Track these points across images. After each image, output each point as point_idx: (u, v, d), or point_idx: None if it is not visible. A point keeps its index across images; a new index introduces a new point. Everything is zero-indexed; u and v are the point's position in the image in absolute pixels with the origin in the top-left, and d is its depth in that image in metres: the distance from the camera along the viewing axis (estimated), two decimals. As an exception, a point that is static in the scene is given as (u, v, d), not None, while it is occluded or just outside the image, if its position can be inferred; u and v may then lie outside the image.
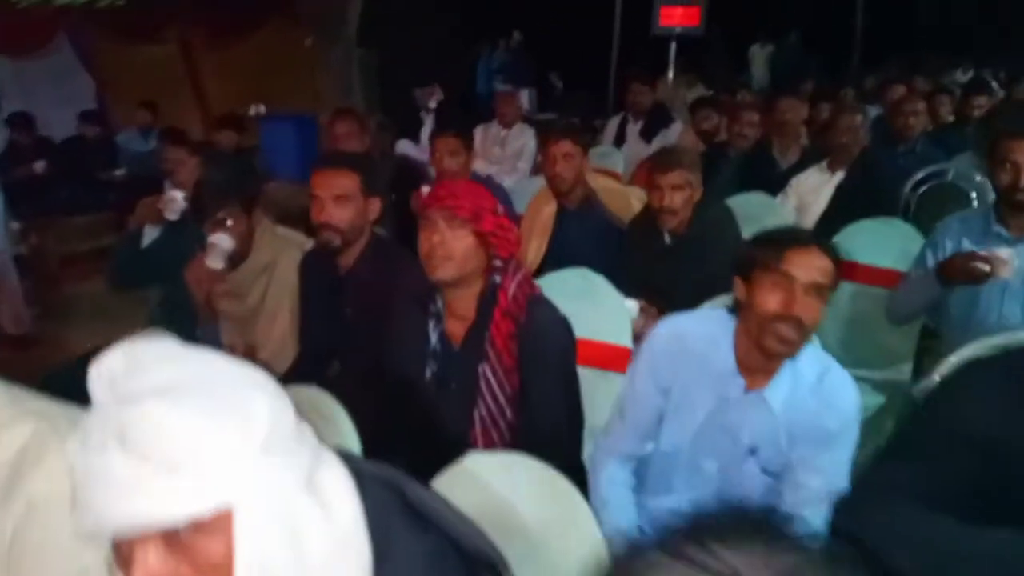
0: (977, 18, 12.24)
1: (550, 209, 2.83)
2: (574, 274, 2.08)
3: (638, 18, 8.87)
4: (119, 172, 5.72)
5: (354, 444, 1.51)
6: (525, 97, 12.55)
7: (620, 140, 4.90)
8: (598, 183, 2.81)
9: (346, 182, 1.95)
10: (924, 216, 3.28)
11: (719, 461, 1.41)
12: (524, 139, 4.94)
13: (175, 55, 10.10)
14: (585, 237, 2.77)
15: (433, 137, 3.14)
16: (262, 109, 7.35)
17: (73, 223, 4.78)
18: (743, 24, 13.09)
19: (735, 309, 1.38)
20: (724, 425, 1.39)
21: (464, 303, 1.63)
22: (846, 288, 2.69)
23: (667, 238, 2.45)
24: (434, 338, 1.66)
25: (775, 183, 3.63)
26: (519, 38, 12.70)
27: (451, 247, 1.55)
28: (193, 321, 2.52)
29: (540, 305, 1.61)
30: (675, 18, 6.10)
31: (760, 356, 1.33)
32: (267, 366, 2.20)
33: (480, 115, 9.44)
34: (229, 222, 2.17)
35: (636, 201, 2.79)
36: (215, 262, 2.13)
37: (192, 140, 3.29)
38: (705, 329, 1.40)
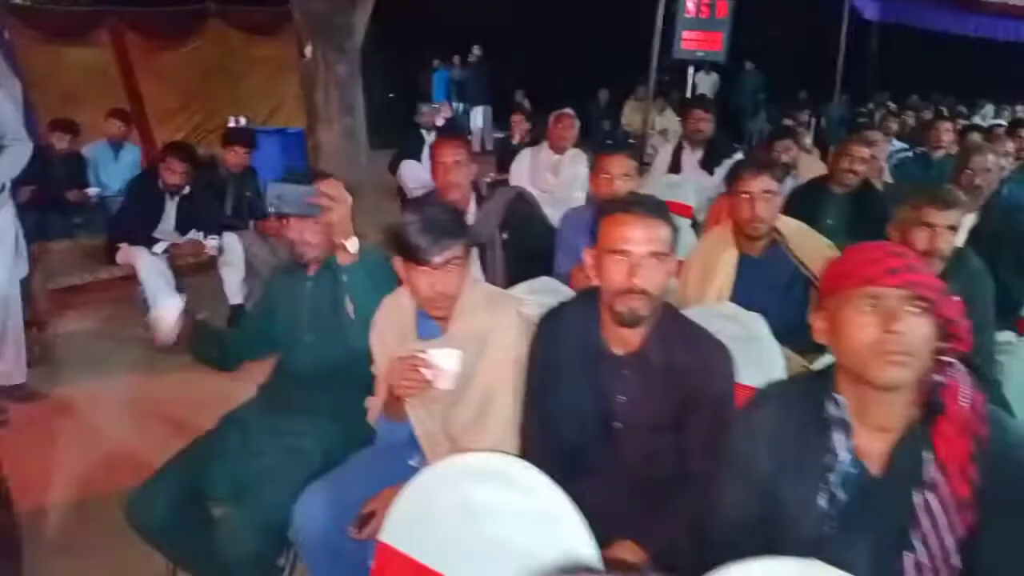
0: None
1: (731, 256, 2.45)
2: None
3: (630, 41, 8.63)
4: (92, 192, 4.93)
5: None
6: (480, 115, 12.23)
7: (674, 169, 4.59)
8: (789, 225, 2.46)
9: (665, 235, 1.51)
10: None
11: None
12: (579, 166, 4.55)
13: (109, 57, 9.31)
14: (771, 291, 2.41)
15: (599, 155, 2.69)
16: (242, 121, 6.64)
17: (53, 252, 4.00)
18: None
19: None
20: None
21: (890, 411, 1.23)
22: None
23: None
24: (844, 456, 1.24)
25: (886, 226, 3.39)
26: (479, 54, 12.33)
27: (914, 340, 1.15)
28: (346, 399, 2.00)
29: (1003, 416, 1.23)
30: (697, 43, 5.90)
31: None
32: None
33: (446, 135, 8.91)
34: (452, 267, 1.69)
35: (827, 249, 2.45)
36: (445, 383, 1.63)
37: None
38: None
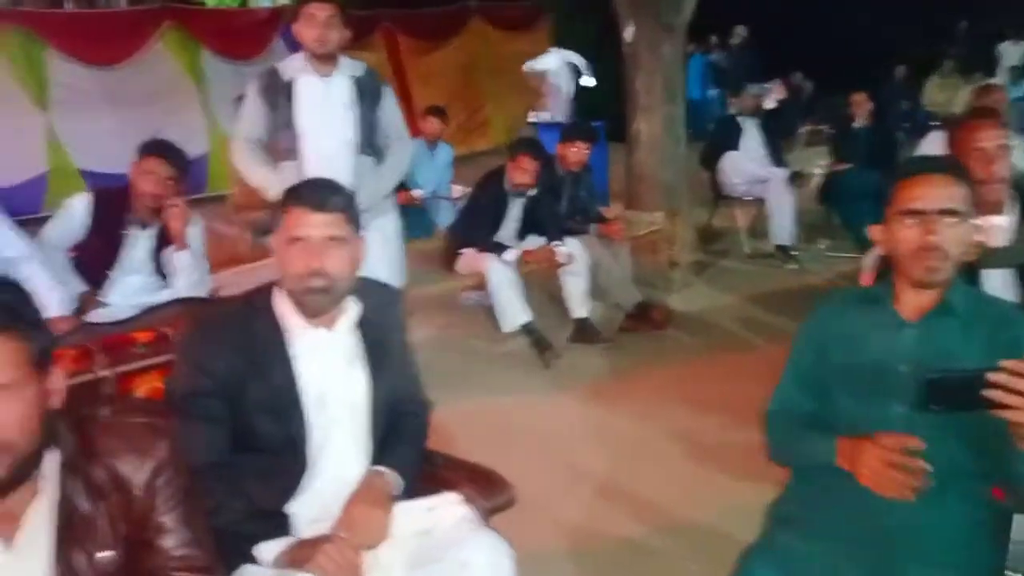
0: None
1: None
2: None
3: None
4: (417, 193, 4.72)
5: None
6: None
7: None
8: None
9: None
10: None
11: None
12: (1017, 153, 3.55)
13: (383, 59, 9.60)
14: None
15: None
16: (544, 116, 6.27)
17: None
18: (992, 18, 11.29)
19: None
20: None
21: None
22: None
23: None
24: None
25: None
26: (744, 34, 11.28)
27: None
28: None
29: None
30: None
31: None
32: None
33: (698, 123, 7.94)
34: None
35: None
36: None
37: None
38: None
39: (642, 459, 2.84)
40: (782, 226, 5.08)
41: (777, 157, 5.38)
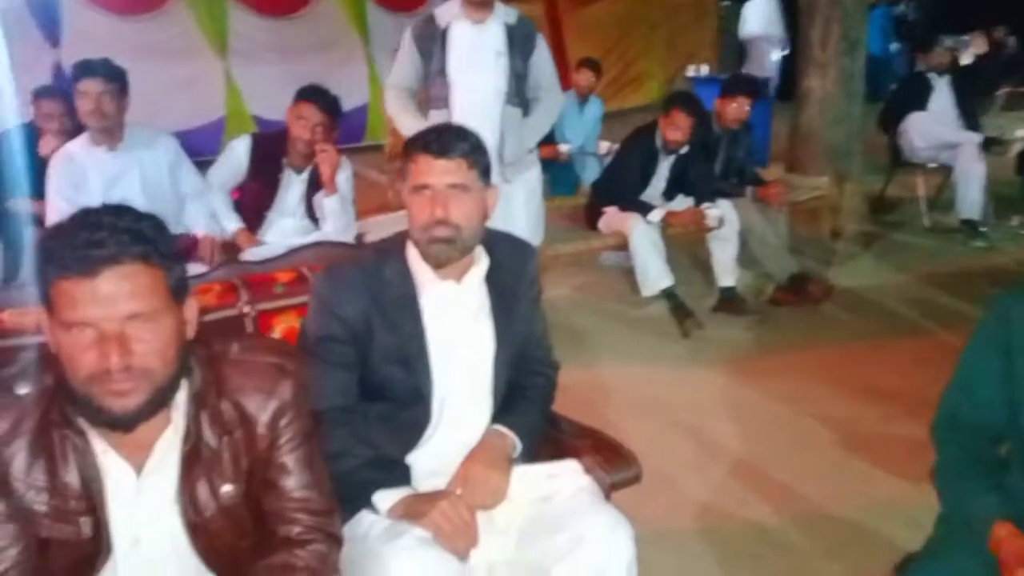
0: None
1: None
2: None
3: None
4: (564, 148, 4.61)
5: None
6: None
7: None
8: None
9: None
10: None
11: None
12: None
13: (540, 12, 9.45)
14: None
15: None
16: (703, 70, 5.94)
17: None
18: None
19: None
20: None
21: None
22: None
23: None
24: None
25: None
26: (934, -18, 10.09)
27: None
28: None
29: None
30: None
31: None
32: None
33: (879, 81, 7.14)
34: None
35: None
36: None
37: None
38: None
39: (785, 443, 2.65)
40: (970, 198, 4.53)
41: (970, 120, 4.77)
